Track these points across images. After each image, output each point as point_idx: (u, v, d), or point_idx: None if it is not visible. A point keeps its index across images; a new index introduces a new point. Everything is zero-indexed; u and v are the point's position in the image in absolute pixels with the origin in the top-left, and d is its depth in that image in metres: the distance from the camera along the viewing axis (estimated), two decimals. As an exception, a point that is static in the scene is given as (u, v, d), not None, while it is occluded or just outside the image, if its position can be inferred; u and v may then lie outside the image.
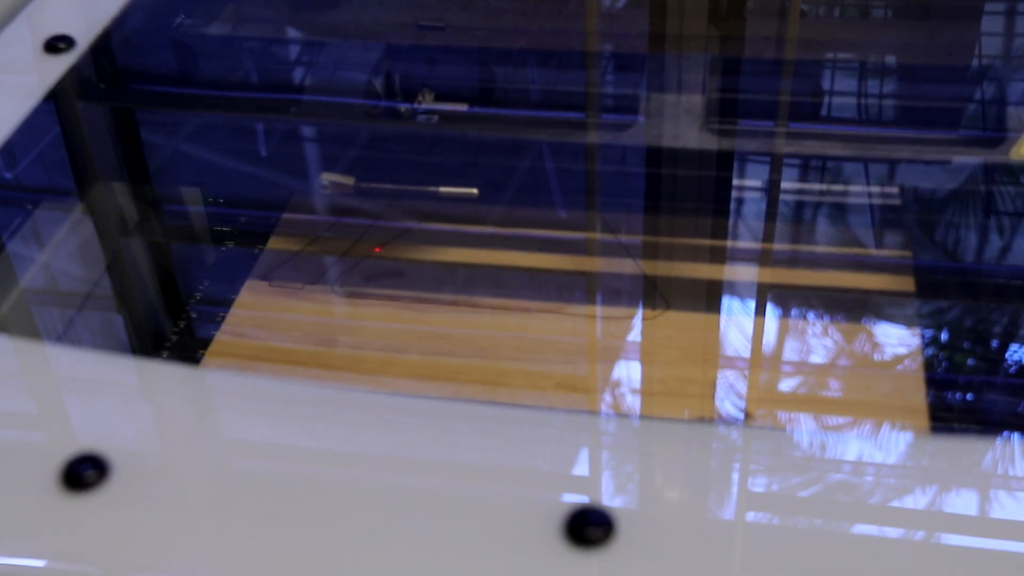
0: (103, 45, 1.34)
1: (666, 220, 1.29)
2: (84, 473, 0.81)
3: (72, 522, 0.79)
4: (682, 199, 1.29)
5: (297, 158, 1.43)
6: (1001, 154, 1.34)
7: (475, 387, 1.04)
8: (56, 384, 0.95)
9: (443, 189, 1.29)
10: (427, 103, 1.37)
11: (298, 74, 1.59)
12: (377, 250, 1.19)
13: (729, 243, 1.27)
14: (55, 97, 1.25)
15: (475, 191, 1.29)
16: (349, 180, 1.31)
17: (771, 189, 1.32)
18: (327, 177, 1.32)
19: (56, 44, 1.28)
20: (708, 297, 1.15)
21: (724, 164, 1.33)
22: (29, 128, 1.20)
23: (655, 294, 1.13)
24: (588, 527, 0.76)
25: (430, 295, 1.13)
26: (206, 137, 1.43)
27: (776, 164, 1.34)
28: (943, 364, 1.07)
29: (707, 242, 1.25)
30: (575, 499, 0.81)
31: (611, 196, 1.31)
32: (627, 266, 1.17)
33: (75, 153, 1.30)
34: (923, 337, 1.08)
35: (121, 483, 0.81)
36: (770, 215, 1.29)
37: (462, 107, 1.39)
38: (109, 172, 1.32)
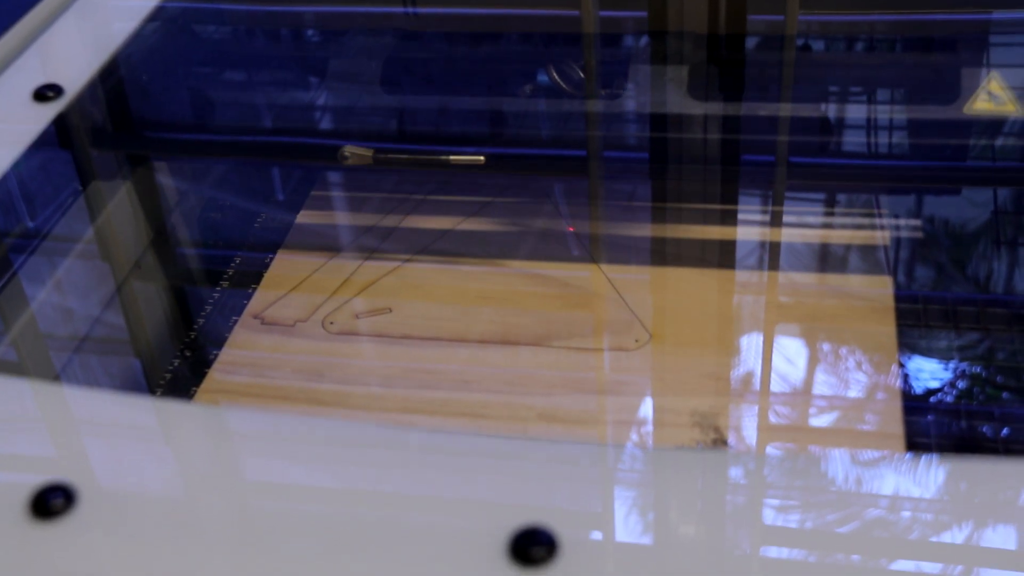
0: (91, 94, 1.39)
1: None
2: (52, 501, 0.83)
3: (40, 552, 0.81)
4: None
5: (289, 195, 1.47)
6: (955, 111, 1.35)
7: (458, 419, 1.05)
8: (46, 417, 0.98)
9: (453, 157, 1.37)
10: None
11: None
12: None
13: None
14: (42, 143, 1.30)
15: (481, 159, 1.36)
16: (368, 152, 1.39)
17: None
18: (348, 150, 1.40)
19: (45, 93, 1.33)
20: (696, 325, 1.16)
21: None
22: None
23: (639, 324, 1.14)
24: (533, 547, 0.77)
25: (416, 330, 1.15)
26: (201, 179, 1.47)
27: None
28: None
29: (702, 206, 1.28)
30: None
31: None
32: (611, 299, 1.18)
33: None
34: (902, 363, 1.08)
35: (89, 513, 0.83)
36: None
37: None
38: (102, 215, 1.36)
